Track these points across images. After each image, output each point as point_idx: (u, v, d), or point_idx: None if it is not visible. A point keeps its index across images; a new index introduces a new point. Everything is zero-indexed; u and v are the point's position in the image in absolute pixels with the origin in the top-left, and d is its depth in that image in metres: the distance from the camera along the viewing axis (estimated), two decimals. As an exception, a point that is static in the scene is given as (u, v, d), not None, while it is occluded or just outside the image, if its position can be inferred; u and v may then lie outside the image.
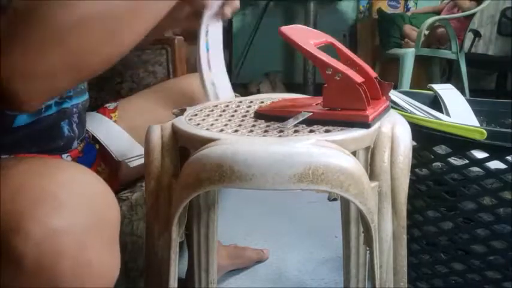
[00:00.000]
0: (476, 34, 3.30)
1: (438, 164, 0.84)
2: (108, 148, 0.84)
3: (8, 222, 0.42)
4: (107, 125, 0.88)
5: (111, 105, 0.92)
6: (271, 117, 0.59)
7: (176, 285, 0.61)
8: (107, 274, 0.46)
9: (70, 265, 0.42)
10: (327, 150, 0.48)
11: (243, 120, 0.61)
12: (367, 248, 0.58)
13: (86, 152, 0.83)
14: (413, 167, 0.82)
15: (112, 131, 0.87)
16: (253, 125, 0.58)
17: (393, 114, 0.61)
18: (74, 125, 0.78)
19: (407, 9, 3.41)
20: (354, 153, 0.53)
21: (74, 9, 0.49)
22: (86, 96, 0.81)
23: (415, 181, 0.87)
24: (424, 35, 2.71)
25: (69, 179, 0.47)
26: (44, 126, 0.71)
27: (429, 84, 1.08)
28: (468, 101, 1.03)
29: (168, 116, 0.68)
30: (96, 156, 0.87)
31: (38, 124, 0.70)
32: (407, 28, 2.89)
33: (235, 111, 0.66)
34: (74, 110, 0.76)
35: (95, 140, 0.87)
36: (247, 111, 0.66)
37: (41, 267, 0.41)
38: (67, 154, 0.77)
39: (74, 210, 0.44)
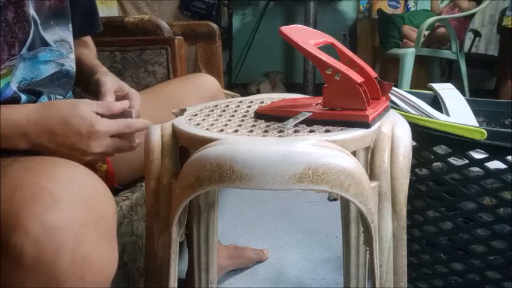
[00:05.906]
0: (476, 34, 3.29)
1: (438, 164, 0.84)
2: None
3: (7, 220, 0.42)
4: None
5: None
6: (271, 117, 0.59)
7: (176, 285, 0.61)
8: (106, 268, 0.47)
9: (69, 260, 0.43)
10: (327, 150, 0.48)
11: (243, 120, 0.61)
12: (367, 248, 0.58)
13: None
14: (413, 167, 0.82)
15: None
16: (253, 125, 0.58)
17: (393, 114, 0.61)
18: None
19: (407, 10, 3.41)
20: (354, 153, 0.53)
21: None
22: None
23: (415, 181, 0.87)
24: (424, 35, 2.71)
25: (64, 175, 0.47)
26: None
27: (429, 84, 1.08)
28: (468, 101, 1.03)
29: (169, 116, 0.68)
30: None
31: None
32: (406, 28, 2.89)
33: (235, 111, 0.66)
34: None
35: None
36: (247, 111, 0.66)
37: (40, 263, 0.42)
38: None
39: (70, 206, 0.45)
